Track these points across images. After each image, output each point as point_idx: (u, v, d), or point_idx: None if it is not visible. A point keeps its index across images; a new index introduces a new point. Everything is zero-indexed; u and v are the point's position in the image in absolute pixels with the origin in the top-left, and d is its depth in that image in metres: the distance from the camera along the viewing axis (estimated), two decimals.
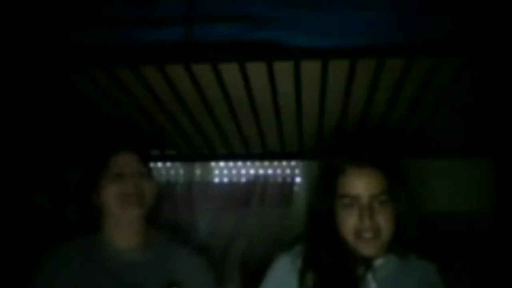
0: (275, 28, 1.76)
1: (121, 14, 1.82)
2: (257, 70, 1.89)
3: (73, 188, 3.27)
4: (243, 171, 3.69)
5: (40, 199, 3.20)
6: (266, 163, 3.65)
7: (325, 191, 1.47)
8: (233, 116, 2.47)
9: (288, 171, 3.67)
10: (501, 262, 2.98)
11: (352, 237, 1.42)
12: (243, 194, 3.64)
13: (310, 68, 1.88)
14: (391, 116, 2.45)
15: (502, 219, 3.10)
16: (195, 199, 3.65)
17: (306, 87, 2.06)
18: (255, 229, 3.52)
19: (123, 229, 1.65)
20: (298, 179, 3.66)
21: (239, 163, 3.66)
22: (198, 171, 3.70)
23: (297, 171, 3.66)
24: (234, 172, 3.70)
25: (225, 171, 3.70)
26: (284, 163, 3.65)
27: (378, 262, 1.46)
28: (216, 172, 3.71)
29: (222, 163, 3.67)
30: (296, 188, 3.65)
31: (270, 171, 3.67)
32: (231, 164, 3.67)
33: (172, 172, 3.68)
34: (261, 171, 3.67)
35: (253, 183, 3.66)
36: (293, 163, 3.65)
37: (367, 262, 1.44)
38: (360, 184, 1.42)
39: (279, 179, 3.66)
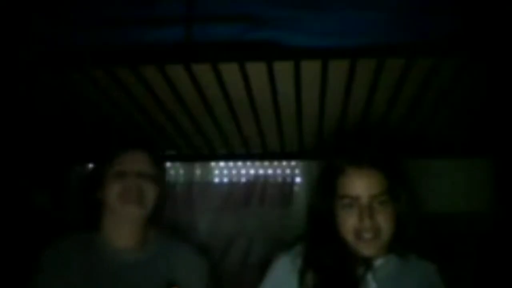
0: (275, 28, 1.76)
1: (121, 14, 1.82)
2: (257, 70, 1.89)
3: (78, 183, 3.29)
4: (243, 171, 3.69)
5: (40, 199, 3.20)
6: (266, 163, 3.65)
7: (325, 191, 1.48)
8: (233, 116, 2.47)
9: (288, 171, 3.67)
10: (501, 262, 2.98)
11: (352, 237, 1.42)
12: (243, 194, 3.64)
13: (310, 68, 1.88)
14: (391, 116, 2.45)
15: (502, 219, 3.10)
16: (195, 199, 3.65)
17: (306, 87, 2.06)
18: (255, 229, 3.52)
19: (122, 228, 1.64)
20: (298, 179, 3.66)
21: (239, 163, 3.66)
22: (198, 171, 3.70)
23: (297, 171, 3.66)
24: (234, 172, 3.70)
25: (225, 171, 3.70)
26: (284, 163, 3.65)
27: (378, 262, 1.46)
28: (216, 172, 3.71)
29: (222, 163, 3.67)
30: (296, 188, 3.64)
31: (270, 171, 3.67)
32: (231, 164, 3.67)
33: (172, 172, 3.68)
34: (261, 171, 3.67)
35: (253, 183, 3.65)
36: (293, 163, 3.65)
37: (367, 262, 1.44)
38: (360, 185, 1.42)
39: (279, 179, 3.66)
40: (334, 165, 1.48)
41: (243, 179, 3.68)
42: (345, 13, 1.76)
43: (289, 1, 1.79)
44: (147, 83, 2.02)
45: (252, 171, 3.68)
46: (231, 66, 1.86)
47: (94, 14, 1.83)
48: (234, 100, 2.23)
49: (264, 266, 1.57)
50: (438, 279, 1.54)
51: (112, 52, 1.79)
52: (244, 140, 2.98)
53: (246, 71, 1.90)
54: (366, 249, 1.42)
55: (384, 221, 1.41)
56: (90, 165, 3.43)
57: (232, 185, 3.68)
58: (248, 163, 3.65)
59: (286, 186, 3.64)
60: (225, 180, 3.70)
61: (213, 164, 3.68)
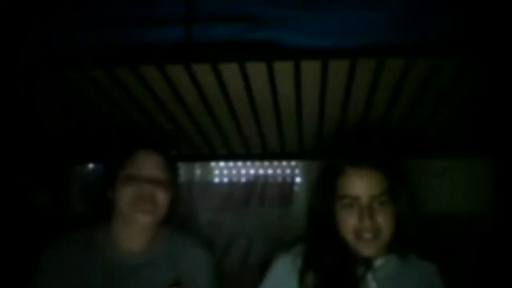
0: (275, 28, 1.76)
1: (121, 14, 1.82)
2: (257, 70, 1.89)
3: (82, 182, 3.29)
4: (243, 171, 3.69)
5: (40, 199, 3.19)
6: (266, 163, 3.65)
7: (325, 191, 1.48)
8: (233, 116, 2.46)
9: (288, 171, 3.67)
10: (501, 262, 2.98)
11: (352, 237, 1.42)
12: (243, 194, 3.65)
13: (310, 68, 1.88)
14: (391, 116, 2.45)
15: (502, 219, 3.10)
16: (195, 199, 3.65)
17: (306, 87, 2.06)
18: (255, 229, 3.52)
19: (132, 231, 1.62)
20: (298, 179, 3.66)
21: (239, 163, 3.66)
22: (198, 171, 3.70)
23: (297, 171, 3.66)
24: (234, 172, 3.70)
25: (225, 171, 3.70)
26: (284, 163, 3.65)
27: (378, 262, 1.46)
28: (216, 172, 3.71)
29: (222, 163, 3.67)
30: (296, 188, 3.65)
31: (270, 171, 3.67)
32: (231, 164, 3.67)
33: None
34: (261, 171, 3.67)
35: (253, 183, 3.66)
36: (293, 163, 3.65)
37: (367, 262, 1.45)
38: (360, 185, 1.42)
39: (279, 179, 3.66)
40: (334, 165, 1.48)
41: (243, 179, 3.69)
42: (345, 13, 1.76)
43: (289, 1, 1.79)
44: (147, 83, 2.02)
45: (252, 171, 3.69)
46: (231, 66, 1.85)
47: (94, 14, 1.83)
48: (234, 100, 2.23)
49: (264, 266, 1.57)
50: (438, 279, 1.54)
51: (112, 52, 1.79)
52: (244, 140, 2.98)
53: (246, 71, 1.90)
54: (366, 249, 1.42)
55: (384, 221, 1.41)
56: (90, 165, 3.45)
57: (232, 185, 3.68)
58: (248, 163, 3.66)
59: (286, 186, 3.64)
60: (225, 180, 3.71)
61: (213, 164, 3.68)
